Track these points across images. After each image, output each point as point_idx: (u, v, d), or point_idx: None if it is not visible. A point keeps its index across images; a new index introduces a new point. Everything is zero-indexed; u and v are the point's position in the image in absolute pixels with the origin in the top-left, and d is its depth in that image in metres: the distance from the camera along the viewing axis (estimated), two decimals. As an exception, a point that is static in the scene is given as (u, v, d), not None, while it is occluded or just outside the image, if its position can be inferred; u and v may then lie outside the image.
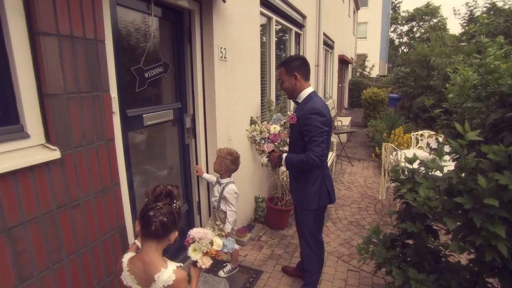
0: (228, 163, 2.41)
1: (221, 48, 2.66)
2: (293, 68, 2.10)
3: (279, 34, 4.84)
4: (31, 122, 1.35)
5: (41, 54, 1.32)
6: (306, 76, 2.14)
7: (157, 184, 1.30)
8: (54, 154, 1.38)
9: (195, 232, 1.44)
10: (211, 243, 1.44)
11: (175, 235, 1.32)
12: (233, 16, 2.89)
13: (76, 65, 1.46)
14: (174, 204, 1.28)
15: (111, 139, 1.68)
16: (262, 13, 3.76)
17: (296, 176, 2.23)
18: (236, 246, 1.61)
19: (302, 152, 2.07)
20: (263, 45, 3.95)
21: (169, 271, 1.26)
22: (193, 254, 1.43)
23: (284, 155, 2.16)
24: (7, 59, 1.28)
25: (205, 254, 1.43)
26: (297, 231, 2.52)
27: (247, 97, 3.36)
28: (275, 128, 2.23)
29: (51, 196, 1.40)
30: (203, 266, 1.43)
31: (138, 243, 1.45)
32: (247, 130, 2.27)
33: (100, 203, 1.65)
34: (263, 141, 2.23)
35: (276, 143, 2.21)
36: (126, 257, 1.35)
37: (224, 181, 2.46)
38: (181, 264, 1.33)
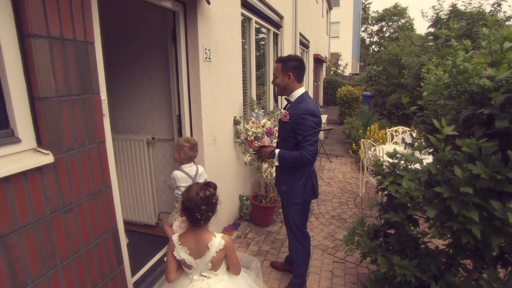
0: (187, 150, 2.43)
1: (205, 49, 2.68)
2: (289, 67, 2.16)
3: (259, 35, 4.91)
4: (22, 126, 1.32)
5: (31, 56, 1.29)
6: (300, 78, 2.21)
7: (202, 186, 1.56)
8: (47, 158, 1.36)
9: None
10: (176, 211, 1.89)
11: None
12: (217, 17, 2.92)
13: (67, 68, 1.44)
14: (215, 199, 1.56)
15: (102, 142, 1.66)
16: (242, 14, 3.81)
17: (283, 170, 2.31)
18: None
19: (292, 149, 2.15)
20: (243, 45, 4.00)
21: (218, 238, 1.59)
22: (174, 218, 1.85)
23: (277, 150, 2.23)
24: (-4, 62, 1.25)
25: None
26: (284, 225, 2.61)
27: (230, 97, 3.40)
28: (265, 122, 2.32)
29: (44, 201, 1.38)
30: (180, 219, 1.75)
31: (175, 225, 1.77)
32: (245, 128, 2.31)
33: (92, 207, 1.64)
34: (253, 138, 2.29)
35: (272, 137, 2.31)
36: (175, 236, 1.63)
37: (185, 167, 2.49)
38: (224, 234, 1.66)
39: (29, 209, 1.32)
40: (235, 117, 3.57)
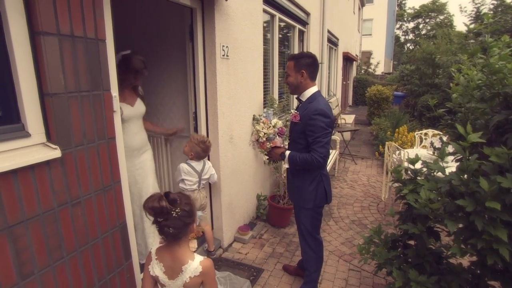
0: (199, 151, 2.44)
1: (223, 46, 2.65)
2: (302, 64, 2.09)
3: (283, 31, 4.81)
4: (32, 121, 1.36)
5: (41, 53, 1.32)
6: (313, 76, 2.13)
7: (155, 197, 1.33)
8: (54, 153, 1.38)
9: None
10: None
11: (192, 227, 1.40)
12: (236, 14, 2.87)
13: (77, 64, 1.46)
14: (174, 213, 1.32)
15: (112, 138, 1.68)
16: (265, 11, 3.73)
17: (294, 174, 2.23)
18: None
19: (302, 151, 2.06)
20: (266, 42, 3.93)
21: (195, 262, 1.37)
22: None
23: (287, 152, 2.15)
24: (8, 58, 1.28)
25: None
26: (297, 229, 2.53)
27: (249, 95, 3.35)
28: (277, 122, 2.25)
29: (51, 194, 1.41)
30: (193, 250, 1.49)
31: None
32: (256, 129, 2.24)
33: (101, 201, 1.66)
34: (265, 139, 2.23)
35: (283, 137, 2.24)
36: (154, 248, 1.44)
37: (192, 162, 2.52)
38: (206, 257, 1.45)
39: (36, 202, 1.36)
40: (254, 115, 3.51)
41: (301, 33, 5.53)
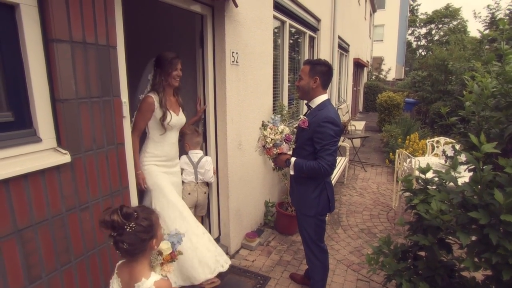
0: (189, 137, 2.64)
1: (233, 52, 2.66)
2: (317, 71, 2.08)
3: (294, 37, 4.82)
4: (43, 127, 1.38)
5: (54, 60, 1.35)
6: (326, 85, 2.12)
7: (109, 211, 1.23)
8: (64, 157, 1.40)
9: None
10: (160, 253, 1.42)
11: (152, 244, 1.30)
12: (246, 21, 2.89)
13: (88, 71, 1.48)
14: (129, 228, 1.21)
15: (121, 143, 1.70)
16: (275, 17, 3.74)
17: (297, 180, 2.21)
18: (181, 232, 1.57)
19: (308, 158, 2.05)
20: (276, 48, 3.93)
21: (150, 282, 1.25)
22: (156, 272, 1.37)
23: (293, 159, 2.14)
24: (22, 65, 1.31)
25: (163, 264, 1.42)
26: (300, 236, 2.50)
27: (259, 101, 3.34)
28: (284, 128, 2.23)
29: (60, 198, 1.43)
30: (168, 274, 1.42)
31: None
32: (263, 135, 2.22)
33: (109, 207, 1.67)
34: (272, 145, 2.22)
35: (290, 143, 2.22)
36: (119, 262, 1.37)
37: (191, 152, 2.67)
38: (167, 277, 1.33)
39: (46, 206, 1.37)
40: (263, 121, 3.49)
41: (312, 39, 5.52)
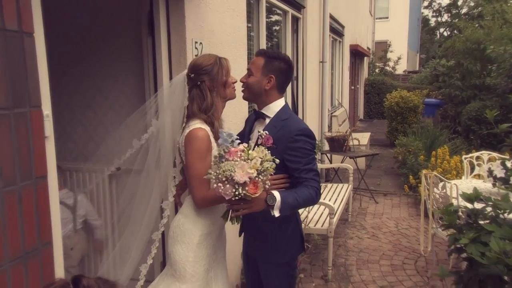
0: None
1: (195, 42, 2.72)
2: (274, 68, 2.14)
3: (272, 19, 4.98)
4: None
5: None
6: (282, 88, 2.24)
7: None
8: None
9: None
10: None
11: None
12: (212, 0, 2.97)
13: (-9, 69, 1.44)
14: None
15: (42, 177, 1.64)
16: (248, -8, 3.88)
17: (265, 216, 2.02)
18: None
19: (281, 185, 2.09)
20: (249, 35, 4.04)
21: None
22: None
23: (277, 194, 1.95)
24: None
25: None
26: None
27: (231, 106, 3.39)
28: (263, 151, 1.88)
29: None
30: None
31: None
32: (249, 158, 1.83)
33: (19, 275, 1.59)
34: (224, 179, 1.79)
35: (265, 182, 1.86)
36: None
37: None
38: None
39: None
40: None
41: (295, 20, 5.76)
